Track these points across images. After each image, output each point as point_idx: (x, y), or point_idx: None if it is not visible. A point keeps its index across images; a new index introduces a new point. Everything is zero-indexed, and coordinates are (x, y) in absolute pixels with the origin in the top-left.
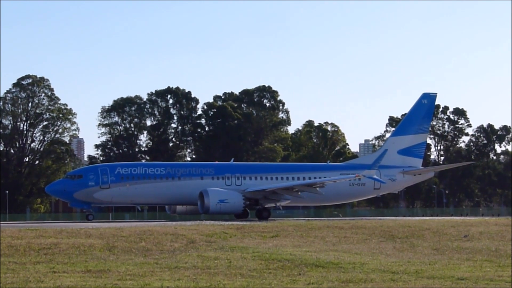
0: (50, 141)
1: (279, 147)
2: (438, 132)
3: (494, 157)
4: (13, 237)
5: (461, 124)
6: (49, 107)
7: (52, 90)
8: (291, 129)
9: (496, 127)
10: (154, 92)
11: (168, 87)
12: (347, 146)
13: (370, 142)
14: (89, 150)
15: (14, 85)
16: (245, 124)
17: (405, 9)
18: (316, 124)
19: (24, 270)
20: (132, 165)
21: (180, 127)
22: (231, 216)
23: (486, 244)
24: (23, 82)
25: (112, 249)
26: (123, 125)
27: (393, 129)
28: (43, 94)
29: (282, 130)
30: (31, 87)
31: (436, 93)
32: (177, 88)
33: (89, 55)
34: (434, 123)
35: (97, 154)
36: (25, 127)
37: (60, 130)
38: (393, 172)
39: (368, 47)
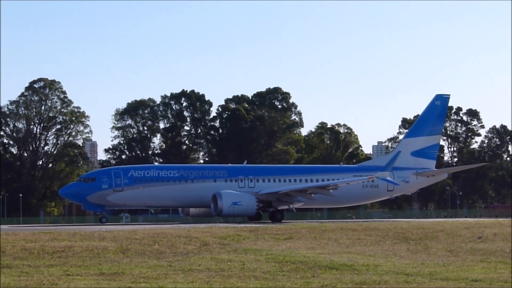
0: (63, 144)
1: (292, 149)
2: (451, 133)
3: (508, 158)
4: (27, 240)
5: (474, 125)
6: (62, 110)
7: (64, 93)
8: (304, 131)
9: (510, 128)
10: (169, 95)
11: (183, 90)
12: (360, 148)
13: (383, 144)
14: (102, 153)
15: (27, 88)
16: (258, 127)
17: (418, 10)
18: (329, 126)
19: (38, 273)
20: (145, 167)
21: (193, 130)
22: (244, 218)
23: (500, 246)
24: (35, 85)
25: (126, 251)
26: (137, 128)
27: (406, 130)
28: (55, 97)
29: (295, 132)
30: (43, 90)
31: (449, 95)
32: (192, 91)
33: (102, 57)
34: (447, 124)
35: (108, 157)
36: (38, 130)
37: (73, 133)
38: (407, 174)
39: (380, 48)
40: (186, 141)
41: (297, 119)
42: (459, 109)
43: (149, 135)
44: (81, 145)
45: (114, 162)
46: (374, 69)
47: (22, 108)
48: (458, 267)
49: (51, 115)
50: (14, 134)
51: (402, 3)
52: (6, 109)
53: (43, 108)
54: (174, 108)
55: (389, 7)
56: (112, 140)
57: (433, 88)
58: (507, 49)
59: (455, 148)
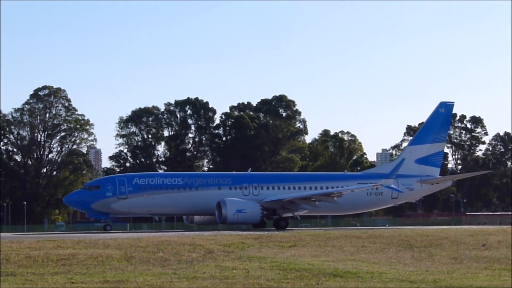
0: (67, 152)
1: (297, 157)
2: (455, 141)
3: None
4: (31, 248)
5: (478, 132)
6: (67, 117)
7: (69, 100)
8: (308, 139)
9: None
10: (173, 102)
11: (188, 97)
12: (365, 156)
13: (388, 151)
14: (107, 160)
15: (31, 96)
16: (262, 134)
17: (422, 18)
18: (332, 133)
19: (42, 281)
20: (150, 175)
21: (197, 137)
22: (248, 226)
23: (504, 253)
24: (40, 93)
25: (130, 259)
26: (141, 136)
27: (411, 138)
28: (60, 105)
29: (299, 139)
30: (48, 98)
31: (453, 102)
32: (196, 98)
33: (106, 65)
34: (451, 132)
35: (112, 165)
36: (42, 138)
37: (78, 141)
38: (411, 181)
39: (385, 56)
40: (191, 149)
41: (301, 126)
42: (463, 116)
43: (153, 143)
44: (85, 152)
45: (118, 170)
46: (378, 76)
47: (27, 116)
48: (462, 274)
49: (55, 122)
50: (18, 141)
51: (406, 11)
52: (10, 116)
53: (47, 115)
54: (178, 115)
55: (393, 15)
56: (116, 148)
57: (438, 96)
58: (510, 57)
59: (459, 156)
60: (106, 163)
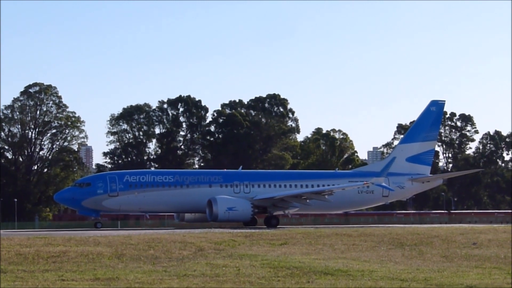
0: (58, 149)
1: (288, 155)
2: (445, 139)
3: (503, 164)
4: (21, 245)
5: (468, 130)
6: (57, 115)
7: (60, 98)
8: (300, 137)
9: (504, 133)
10: (166, 100)
11: (180, 95)
12: (356, 154)
13: (379, 150)
14: (98, 158)
15: (22, 93)
16: (254, 132)
17: (414, 17)
18: (324, 131)
19: (32, 278)
20: (141, 173)
21: (189, 135)
22: (239, 223)
23: (495, 252)
24: (30, 90)
25: (121, 257)
26: (132, 133)
27: (402, 136)
28: (51, 102)
29: (291, 138)
30: (38, 95)
31: (444, 101)
32: (188, 96)
33: (97, 62)
34: (441, 130)
35: (105, 162)
36: (33, 135)
37: (69, 138)
38: (402, 180)
39: (376, 55)
40: (182, 147)
41: (293, 125)
42: (452, 114)
43: (144, 141)
44: (76, 150)
45: (110, 167)
46: (369, 75)
47: (17, 113)
48: (453, 272)
49: (46, 120)
50: (9, 138)
51: (398, 11)
52: (1, 113)
53: (38, 113)
54: (170, 113)
55: (385, 15)
56: (107, 145)
57: (429, 94)
58: (501, 56)
59: (450, 154)
60: (98, 159)
